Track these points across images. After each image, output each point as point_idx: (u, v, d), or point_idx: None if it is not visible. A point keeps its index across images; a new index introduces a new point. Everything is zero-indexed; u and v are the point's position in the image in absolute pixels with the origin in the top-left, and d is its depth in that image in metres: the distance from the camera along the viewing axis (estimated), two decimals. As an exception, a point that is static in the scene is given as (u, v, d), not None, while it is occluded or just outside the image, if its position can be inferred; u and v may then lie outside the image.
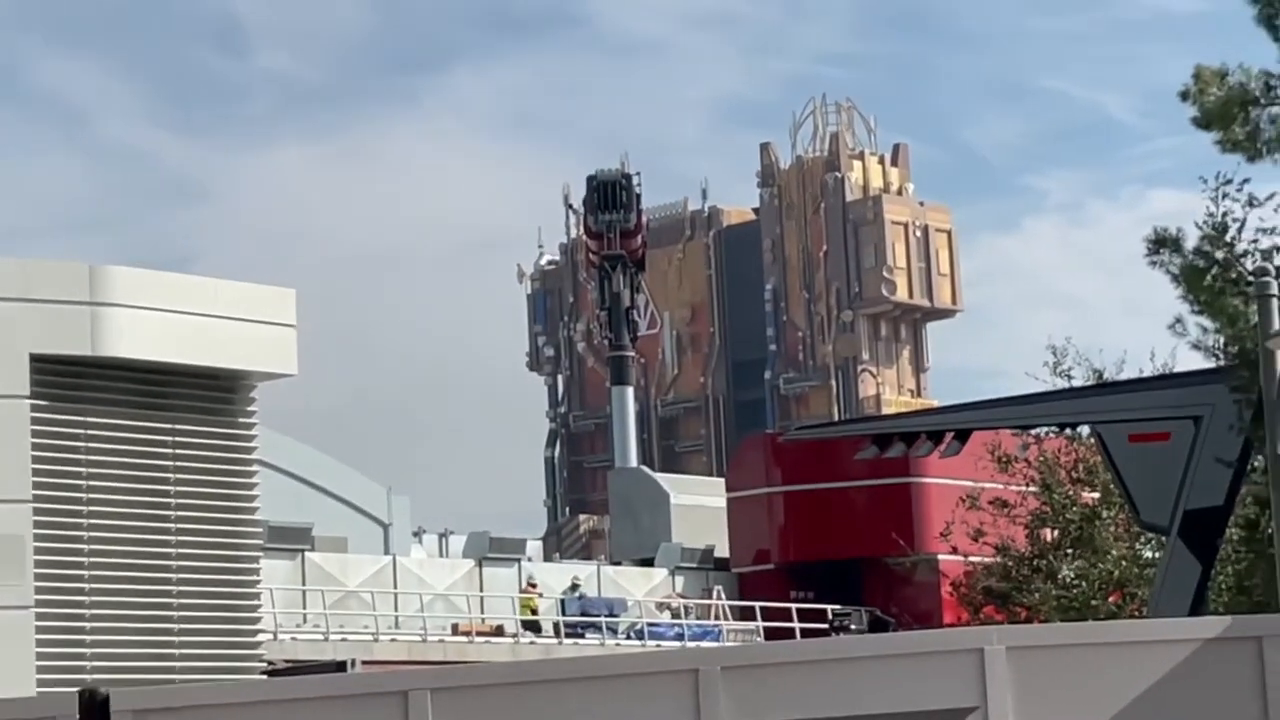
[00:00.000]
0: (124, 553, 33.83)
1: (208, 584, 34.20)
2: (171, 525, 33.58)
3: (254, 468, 34.76)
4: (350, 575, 51.00)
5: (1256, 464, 22.38)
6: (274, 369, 35.48)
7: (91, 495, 33.64)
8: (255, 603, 34.57)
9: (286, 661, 39.49)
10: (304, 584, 48.52)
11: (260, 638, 34.24)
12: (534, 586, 53.60)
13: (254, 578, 34.45)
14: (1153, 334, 54.58)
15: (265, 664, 36.61)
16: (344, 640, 45.88)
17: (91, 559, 33.27)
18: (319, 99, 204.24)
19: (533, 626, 51.39)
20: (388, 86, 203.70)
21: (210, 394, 34.63)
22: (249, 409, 34.83)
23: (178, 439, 34.19)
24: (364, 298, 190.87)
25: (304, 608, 47.97)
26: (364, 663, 41.40)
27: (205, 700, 10.17)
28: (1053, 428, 34.48)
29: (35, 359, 34.02)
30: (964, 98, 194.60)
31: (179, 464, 33.68)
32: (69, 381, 34.68)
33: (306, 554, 49.67)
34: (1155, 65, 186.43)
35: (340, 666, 39.23)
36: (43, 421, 34.64)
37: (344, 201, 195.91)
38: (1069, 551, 38.21)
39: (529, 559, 57.69)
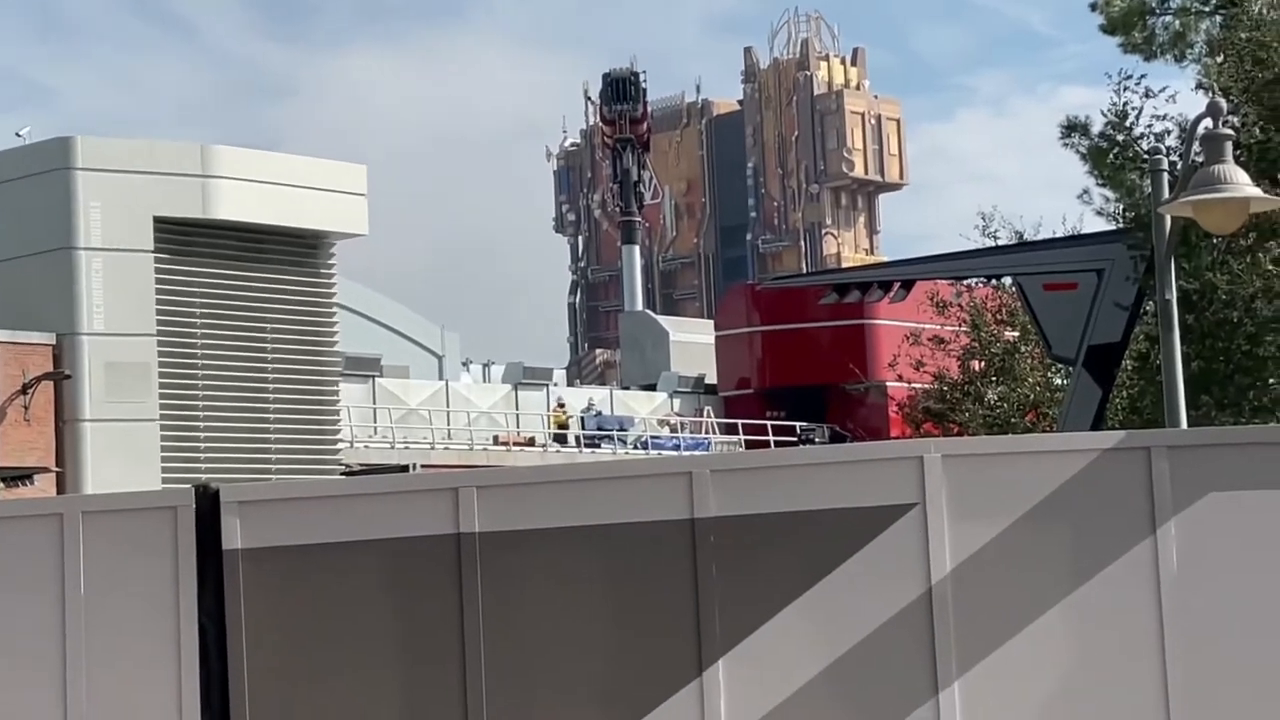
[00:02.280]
0: (230, 377, 33.84)
1: (298, 402, 34.26)
2: (268, 355, 33.57)
3: (333, 309, 34.79)
4: (411, 396, 51.16)
5: (1148, 308, 22.30)
6: (349, 230, 35.31)
7: (204, 330, 33.60)
8: (335, 417, 34.74)
9: (360, 464, 39.72)
10: (374, 403, 48.68)
11: (339, 445, 34.47)
12: (563, 406, 53.74)
13: (334, 397, 34.60)
14: (1064, 203, 54.25)
15: (344, 466, 36.73)
16: (407, 448, 46.08)
17: (204, 382, 33.28)
18: (385, 13, 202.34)
19: (561, 439, 51.63)
20: (441, 3, 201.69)
21: (298, 249, 34.56)
22: (329, 262, 34.80)
23: (272, 285, 34.09)
24: (423, 173, 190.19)
25: (374, 422, 48.17)
26: (423, 466, 41.60)
27: (295, 494, 10.19)
28: (981, 279, 34.33)
29: (158, 220, 33.91)
30: (911, 11, 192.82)
31: (273, 305, 33.61)
32: (184, 239, 34.56)
33: (376, 379, 49.79)
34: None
35: (404, 469, 39.45)
36: (164, 271, 34.56)
37: (406, 96, 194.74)
38: (993, 379, 38.15)
39: (555, 384, 57.78)
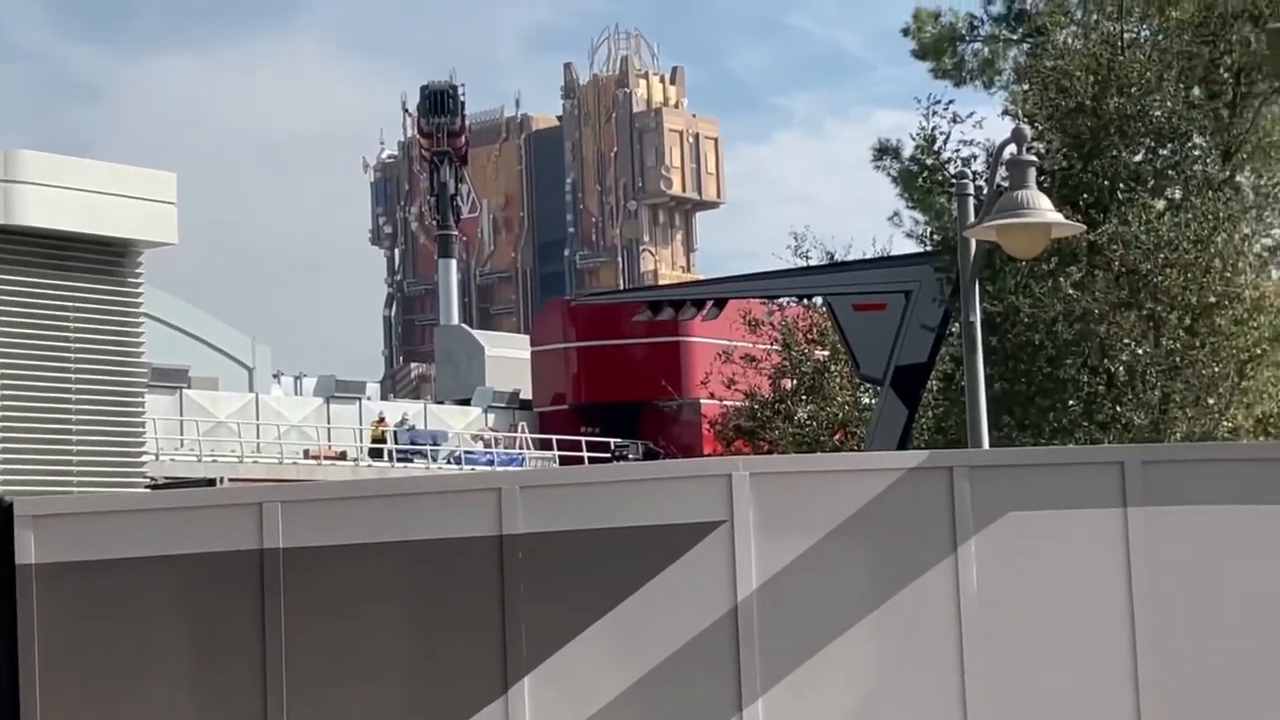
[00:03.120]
0: (30, 387, 33.11)
1: (101, 414, 33.58)
2: (71, 365, 32.93)
3: (140, 319, 34.13)
4: (220, 409, 50.35)
5: (953, 330, 22.71)
6: (158, 239, 34.77)
7: (2, 339, 32.77)
8: (140, 429, 34.01)
9: (166, 478, 39.00)
10: (181, 415, 47.84)
11: (144, 458, 33.70)
12: (383, 420, 53.37)
13: (139, 409, 33.88)
14: (876, 224, 55.08)
15: (148, 480, 36.03)
16: (214, 461, 45.35)
17: (2, 392, 32.46)
18: (200, 17, 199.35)
19: (376, 453, 51.21)
20: (260, 6, 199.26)
21: (104, 258, 33.94)
22: (136, 271, 34.15)
23: (76, 295, 33.49)
24: (236, 182, 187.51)
25: (181, 435, 47.32)
26: (231, 479, 40.93)
27: (95, 508, 9.98)
28: (793, 298, 34.71)
29: (-45, 226, 32.92)
30: (728, 31, 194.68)
31: (77, 315, 32.98)
32: (-16, 245, 33.60)
33: (184, 391, 48.93)
34: (882, 6, 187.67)
35: (210, 483, 38.79)
36: (-39, 278, 33.50)
37: (220, 103, 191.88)
38: (803, 398, 38.51)
39: (369, 398, 57.27)
